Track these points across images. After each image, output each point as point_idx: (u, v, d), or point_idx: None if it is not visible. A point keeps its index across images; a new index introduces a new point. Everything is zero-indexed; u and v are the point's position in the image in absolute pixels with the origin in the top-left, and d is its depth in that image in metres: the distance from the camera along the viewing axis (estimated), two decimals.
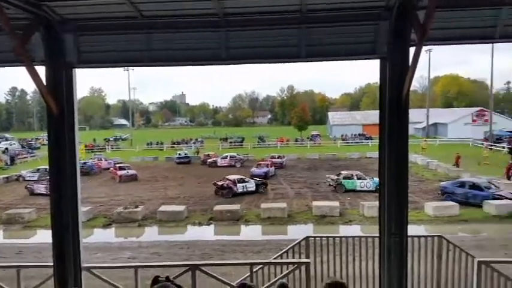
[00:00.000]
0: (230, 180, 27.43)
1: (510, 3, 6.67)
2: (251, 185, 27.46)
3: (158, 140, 70.71)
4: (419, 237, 9.41)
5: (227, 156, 44.06)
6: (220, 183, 27.50)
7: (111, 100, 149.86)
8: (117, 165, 38.66)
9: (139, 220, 21.68)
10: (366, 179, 27.47)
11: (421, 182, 29.95)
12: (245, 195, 26.52)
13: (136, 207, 22.94)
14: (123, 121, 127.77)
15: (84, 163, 38.36)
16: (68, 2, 6.42)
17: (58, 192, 7.50)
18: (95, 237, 19.54)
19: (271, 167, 34.89)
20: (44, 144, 67.63)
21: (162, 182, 33.87)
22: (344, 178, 27.85)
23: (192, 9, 6.79)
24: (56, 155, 7.40)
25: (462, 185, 23.53)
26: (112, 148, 65.68)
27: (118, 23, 7.11)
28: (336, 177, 28.43)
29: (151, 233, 20.39)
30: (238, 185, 26.97)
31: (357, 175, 27.96)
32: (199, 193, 28.35)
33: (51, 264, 7.11)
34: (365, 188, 26.78)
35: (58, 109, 7.09)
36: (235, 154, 45.98)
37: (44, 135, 76.29)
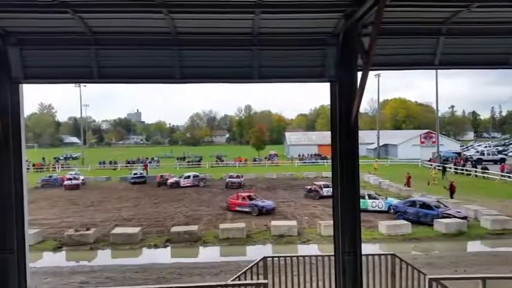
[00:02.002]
0: (317, 185, 32.99)
1: (446, 33, 7.28)
2: None
3: (112, 159, 68.64)
4: (373, 255, 9.72)
5: (190, 176, 42.46)
6: (308, 187, 33.37)
7: (61, 117, 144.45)
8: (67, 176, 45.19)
9: (91, 243, 20.72)
10: (377, 199, 27.09)
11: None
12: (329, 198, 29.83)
13: (88, 229, 21.97)
14: (75, 139, 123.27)
15: (50, 176, 45.40)
16: (12, 14, 6.19)
17: (3, 214, 7.14)
18: (44, 262, 18.46)
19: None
20: None
21: (116, 203, 32.78)
22: None
23: (144, 27, 6.78)
24: (0, 175, 7.07)
25: (413, 204, 24.42)
26: (63, 167, 62.84)
27: (66, 38, 6.92)
28: None
29: (104, 257, 19.50)
30: (324, 189, 31.72)
31: (369, 195, 27.33)
32: (155, 214, 27.72)
33: None
34: (377, 208, 26.35)
35: (3, 126, 6.81)
36: (197, 173, 44.50)
37: None
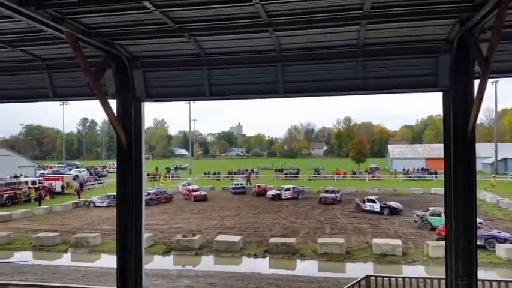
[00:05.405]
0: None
1: None
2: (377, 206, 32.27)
3: (216, 169, 72.33)
4: (490, 281, 8.79)
5: (290, 188, 42.85)
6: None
7: (173, 131, 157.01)
8: (189, 187, 45.59)
9: (196, 249, 22.03)
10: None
11: (491, 222, 27.81)
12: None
13: (194, 235, 23.36)
14: (183, 151, 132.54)
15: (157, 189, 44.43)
16: (138, 40, 7.03)
17: (124, 219, 7.98)
18: (155, 264, 20.10)
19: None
20: (110, 172, 71.48)
21: (220, 212, 34.37)
22: (431, 215, 25.85)
23: (250, 46, 7.17)
24: (124, 183, 7.93)
25: None
26: (172, 177, 67.95)
27: (182, 60, 7.66)
28: (422, 213, 26.77)
29: (207, 263, 20.58)
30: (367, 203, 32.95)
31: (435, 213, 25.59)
32: (254, 224, 28.43)
33: None
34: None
35: (127, 139, 7.65)
36: (297, 186, 44.85)
37: (111, 163, 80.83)
